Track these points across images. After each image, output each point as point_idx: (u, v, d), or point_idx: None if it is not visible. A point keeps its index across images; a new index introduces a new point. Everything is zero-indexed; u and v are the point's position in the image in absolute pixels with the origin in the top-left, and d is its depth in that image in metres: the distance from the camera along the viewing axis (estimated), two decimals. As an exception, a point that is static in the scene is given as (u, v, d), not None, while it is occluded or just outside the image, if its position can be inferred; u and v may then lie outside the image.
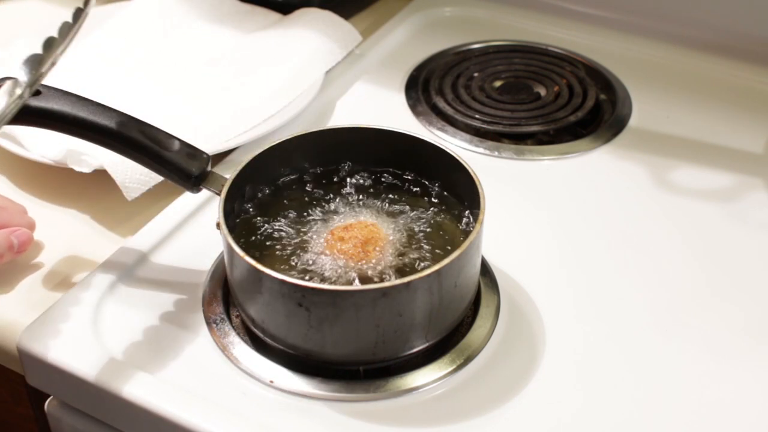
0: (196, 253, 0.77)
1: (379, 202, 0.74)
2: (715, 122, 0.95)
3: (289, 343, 0.66)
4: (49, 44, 0.61)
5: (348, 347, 0.65)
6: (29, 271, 0.76)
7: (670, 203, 0.84)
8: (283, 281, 0.62)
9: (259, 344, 0.69)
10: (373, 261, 0.68)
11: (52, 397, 0.72)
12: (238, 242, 0.65)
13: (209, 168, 0.72)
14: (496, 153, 0.90)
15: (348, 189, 0.76)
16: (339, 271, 0.68)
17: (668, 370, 0.68)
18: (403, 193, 0.75)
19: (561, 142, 0.93)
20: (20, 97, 0.59)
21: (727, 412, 0.65)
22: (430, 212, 0.73)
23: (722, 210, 0.83)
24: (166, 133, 0.72)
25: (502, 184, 0.84)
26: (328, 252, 0.69)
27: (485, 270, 0.74)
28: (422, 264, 0.68)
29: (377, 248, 0.69)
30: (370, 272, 0.68)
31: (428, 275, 0.62)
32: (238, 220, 0.73)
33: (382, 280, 0.67)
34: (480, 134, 0.93)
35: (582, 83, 1.00)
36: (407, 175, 0.76)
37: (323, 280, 0.67)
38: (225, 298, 0.73)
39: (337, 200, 0.75)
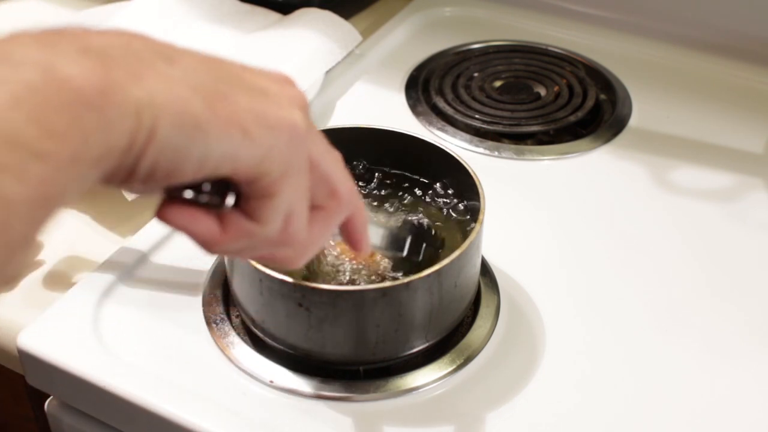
0: (196, 253, 0.76)
1: (378, 202, 0.74)
2: (715, 122, 0.95)
3: (289, 343, 0.66)
4: None
5: (348, 347, 0.65)
6: (29, 271, 0.76)
7: (670, 203, 0.84)
8: (283, 281, 0.62)
9: (259, 344, 0.69)
10: (373, 261, 0.68)
11: (52, 397, 0.72)
12: (238, 242, 0.65)
13: (209, 168, 0.72)
14: (496, 153, 0.90)
15: (348, 189, 0.76)
16: (339, 271, 0.68)
17: (668, 370, 0.68)
18: (403, 193, 0.75)
19: (561, 142, 0.93)
20: None
21: (727, 411, 0.65)
22: (430, 212, 0.73)
23: (722, 210, 0.83)
24: (166, 133, 0.72)
25: (502, 184, 0.84)
26: (328, 252, 0.69)
27: (485, 270, 0.74)
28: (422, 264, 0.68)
29: (377, 248, 0.69)
30: (370, 272, 0.68)
31: (428, 275, 0.62)
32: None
33: (382, 280, 0.67)
34: (480, 134, 0.93)
35: (582, 83, 1.00)
36: (407, 175, 0.76)
37: (323, 280, 0.67)
38: (225, 298, 0.73)
39: (337, 200, 0.74)
